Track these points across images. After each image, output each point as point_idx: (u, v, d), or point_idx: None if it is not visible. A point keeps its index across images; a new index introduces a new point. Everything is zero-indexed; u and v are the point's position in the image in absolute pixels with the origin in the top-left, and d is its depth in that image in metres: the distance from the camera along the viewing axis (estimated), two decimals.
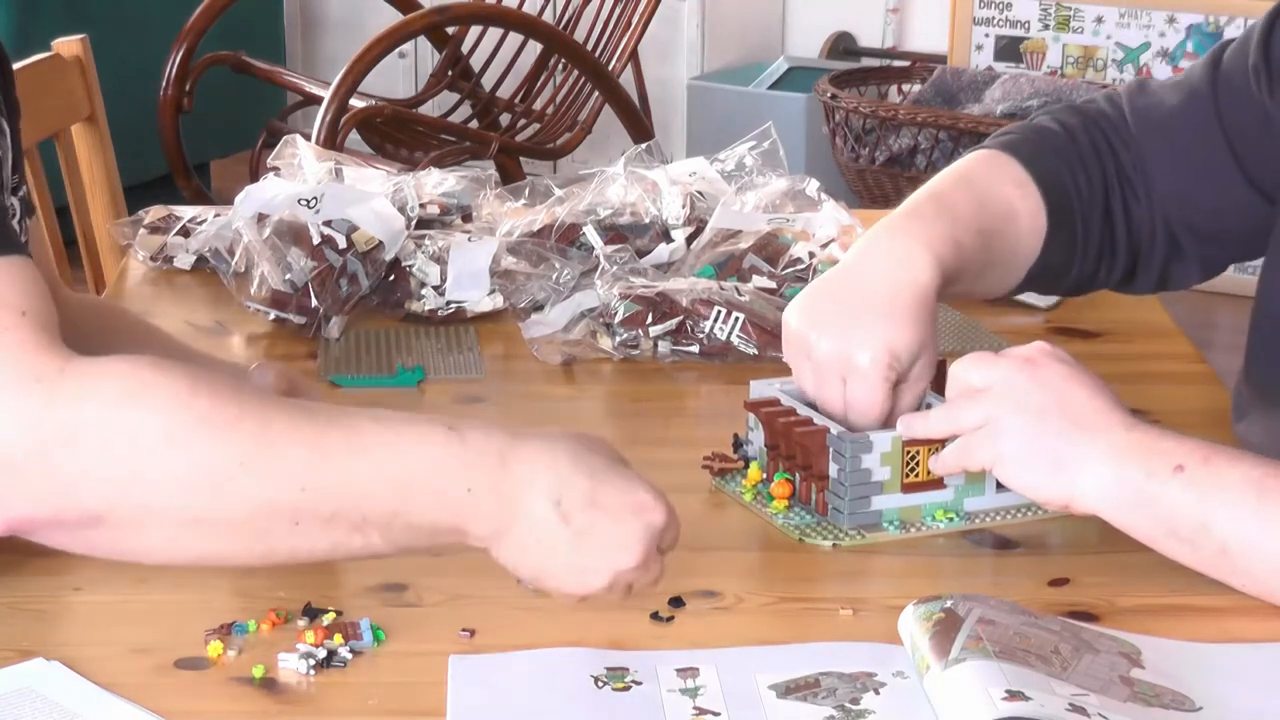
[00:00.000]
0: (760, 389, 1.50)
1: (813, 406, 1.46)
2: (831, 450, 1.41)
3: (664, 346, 1.79)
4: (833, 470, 1.41)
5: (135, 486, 1.13)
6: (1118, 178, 1.59)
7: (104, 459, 1.13)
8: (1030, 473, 1.33)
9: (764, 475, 1.48)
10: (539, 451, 1.20)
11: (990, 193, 1.54)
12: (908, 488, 1.42)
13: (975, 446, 1.35)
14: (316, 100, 3.99)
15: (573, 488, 1.20)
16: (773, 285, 1.89)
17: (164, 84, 4.25)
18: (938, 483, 1.42)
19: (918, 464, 1.41)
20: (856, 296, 1.44)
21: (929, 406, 1.43)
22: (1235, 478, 1.28)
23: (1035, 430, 1.33)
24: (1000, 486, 1.42)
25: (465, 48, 4.50)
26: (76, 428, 1.12)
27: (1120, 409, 1.34)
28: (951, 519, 1.42)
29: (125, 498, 1.14)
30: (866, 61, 5.08)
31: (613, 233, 1.98)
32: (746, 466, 1.49)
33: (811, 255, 1.92)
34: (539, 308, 1.88)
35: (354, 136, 4.03)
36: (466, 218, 2.05)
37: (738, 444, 1.52)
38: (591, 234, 1.98)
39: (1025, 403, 1.33)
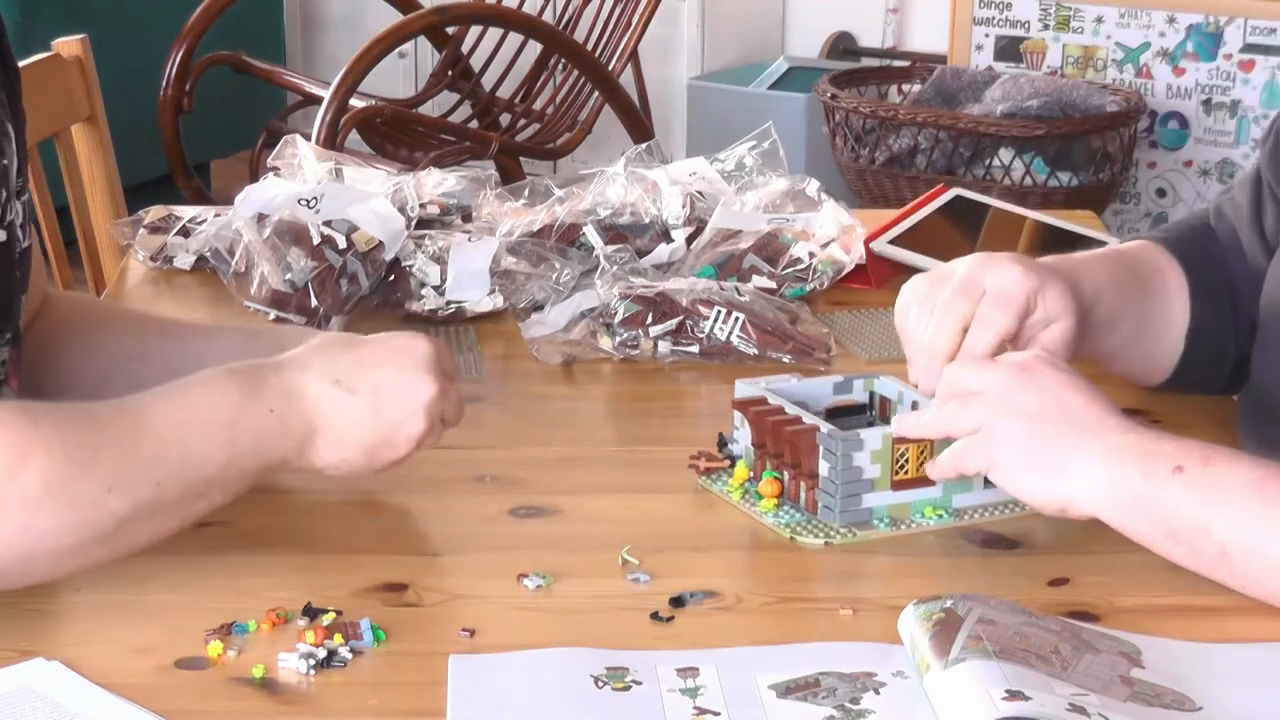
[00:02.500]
0: (746, 388, 1.50)
1: (801, 405, 1.46)
2: (822, 448, 1.41)
3: (664, 346, 1.79)
4: (823, 468, 1.41)
5: (23, 540, 1.22)
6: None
7: (4, 524, 1.21)
8: (1026, 477, 1.33)
9: (750, 474, 1.48)
10: (300, 353, 1.36)
11: (1139, 256, 1.59)
12: (897, 485, 1.42)
13: (970, 451, 1.35)
14: (316, 100, 3.99)
15: (340, 361, 1.35)
16: (773, 285, 1.89)
17: (164, 84, 4.25)
18: (927, 480, 1.42)
19: (907, 461, 1.41)
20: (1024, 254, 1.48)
21: (914, 406, 1.43)
22: (1235, 479, 1.28)
23: (1030, 435, 1.33)
24: (989, 482, 1.42)
25: (465, 48, 4.50)
26: None
27: (1116, 413, 1.34)
28: (941, 515, 1.43)
29: (20, 553, 1.23)
30: (866, 61, 5.08)
31: (613, 233, 1.98)
32: (733, 465, 1.50)
33: (811, 255, 1.92)
34: (539, 308, 1.88)
35: (354, 136, 4.03)
36: (466, 218, 2.05)
37: (723, 443, 1.52)
38: (591, 234, 1.98)
39: (1020, 407, 1.33)
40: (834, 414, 1.48)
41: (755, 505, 1.45)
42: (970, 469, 1.36)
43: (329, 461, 1.35)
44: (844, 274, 1.95)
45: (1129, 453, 1.31)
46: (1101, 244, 2.08)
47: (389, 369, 1.36)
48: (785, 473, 1.45)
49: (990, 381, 1.35)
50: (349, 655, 1.22)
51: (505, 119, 4.44)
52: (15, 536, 1.22)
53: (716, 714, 1.15)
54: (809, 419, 1.43)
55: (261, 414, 1.32)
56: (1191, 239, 1.63)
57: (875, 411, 1.52)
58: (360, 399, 1.34)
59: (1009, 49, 4.57)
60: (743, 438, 1.49)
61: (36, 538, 1.22)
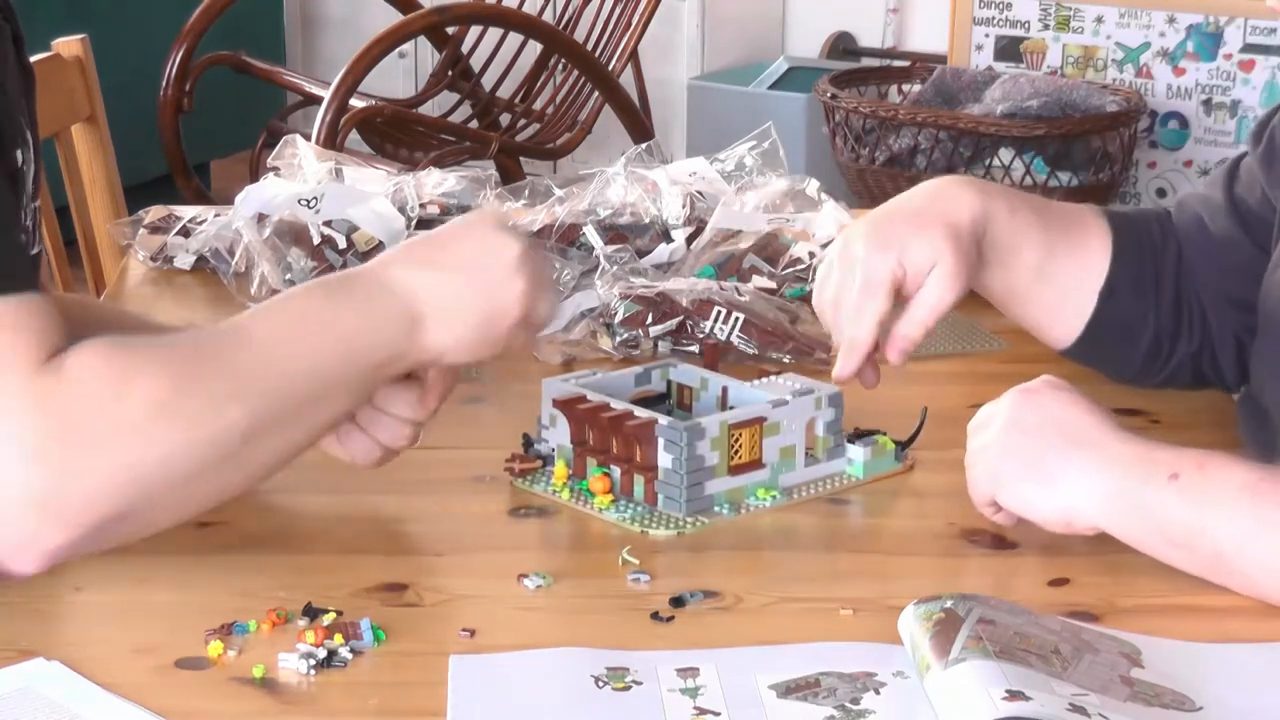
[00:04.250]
0: (558, 387, 1.51)
1: (631, 400, 1.49)
2: (664, 440, 1.42)
3: (664, 346, 1.79)
4: (665, 460, 1.42)
5: (153, 477, 1.19)
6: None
7: (120, 455, 1.17)
8: (1028, 488, 1.34)
9: (571, 472, 1.48)
10: (380, 255, 1.36)
11: (1058, 204, 1.62)
12: (733, 470, 1.44)
13: (977, 474, 1.37)
14: (316, 100, 3.99)
15: (421, 247, 1.35)
16: (773, 285, 1.89)
17: (164, 84, 4.25)
18: (757, 463, 1.45)
19: (740, 445, 1.44)
20: (897, 206, 1.55)
21: (724, 391, 1.49)
22: (1229, 483, 1.29)
23: (1029, 447, 1.34)
24: (810, 458, 1.47)
25: (465, 48, 4.49)
26: (95, 439, 1.17)
27: (1115, 426, 1.35)
28: (774, 496, 1.46)
29: (146, 482, 1.19)
30: (866, 61, 5.08)
31: (613, 233, 1.98)
32: (545, 465, 1.50)
33: (811, 255, 1.92)
34: None
35: (354, 136, 4.03)
36: None
37: (529, 444, 1.52)
38: (591, 234, 1.97)
39: (1020, 422, 1.35)
40: (638, 405, 1.49)
41: (589, 502, 1.45)
42: (980, 493, 1.38)
43: (445, 343, 1.32)
44: None
45: (1126, 461, 1.32)
46: None
47: (470, 239, 1.34)
48: (615, 467, 1.45)
49: (996, 409, 1.38)
50: (349, 655, 1.22)
51: (505, 119, 4.44)
52: (133, 467, 1.18)
53: (716, 714, 1.15)
54: (642, 413, 1.45)
55: (361, 308, 1.29)
56: (1132, 215, 1.65)
57: (674, 400, 1.56)
58: (452, 274, 1.33)
59: (1009, 49, 4.57)
60: (554, 436, 1.50)
61: (155, 467, 1.18)
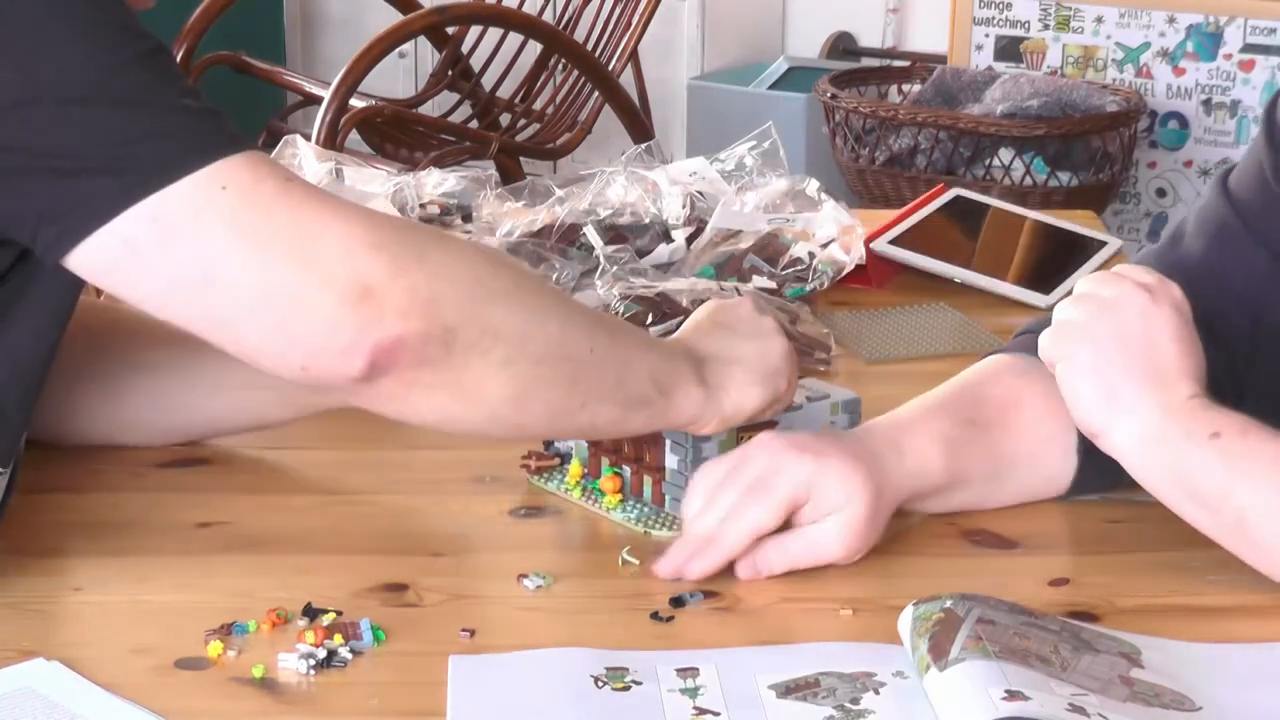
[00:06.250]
0: None
1: None
2: (670, 442, 1.42)
3: None
4: (671, 461, 1.42)
5: (477, 297, 1.24)
6: None
7: (450, 273, 1.23)
8: (1084, 384, 1.34)
9: (585, 471, 1.48)
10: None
11: (968, 390, 1.45)
12: None
13: (1057, 338, 1.36)
14: (316, 100, 3.98)
15: (701, 329, 1.43)
16: (773, 285, 1.89)
17: None
18: None
19: None
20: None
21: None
22: (1267, 452, 1.29)
23: (1113, 353, 1.34)
24: None
25: (465, 48, 4.49)
26: (422, 249, 1.23)
27: (1197, 378, 1.34)
28: None
29: (471, 307, 1.23)
30: (866, 61, 5.07)
31: (613, 233, 1.98)
32: (563, 464, 1.50)
33: (811, 255, 1.92)
34: None
35: (354, 136, 4.03)
36: (466, 218, 2.05)
37: (549, 442, 1.52)
38: (591, 234, 1.97)
39: (1122, 325, 1.34)
40: None
41: (598, 502, 1.45)
42: (1050, 354, 1.37)
43: (714, 411, 1.36)
44: (844, 274, 1.95)
45: (1179, 411, 1.32)
46: (1101, 244, 2.08)
47: (746, 334, 1.41)
48: (626, 468, 1.45)
49: (1116, 291, 1.36)
50: (349, 655, 1.22)
51: (505, 119, 4.44)
52: (463, 281, 1.25)
53: (716, 714, 1.15)
54: None
55: (680, 362, 1.37)
56: None
57: None
58: (736, 360, 1.39)
59: (1009, 49, 4.57)
60: None
61: (485, 303, 1.25)
